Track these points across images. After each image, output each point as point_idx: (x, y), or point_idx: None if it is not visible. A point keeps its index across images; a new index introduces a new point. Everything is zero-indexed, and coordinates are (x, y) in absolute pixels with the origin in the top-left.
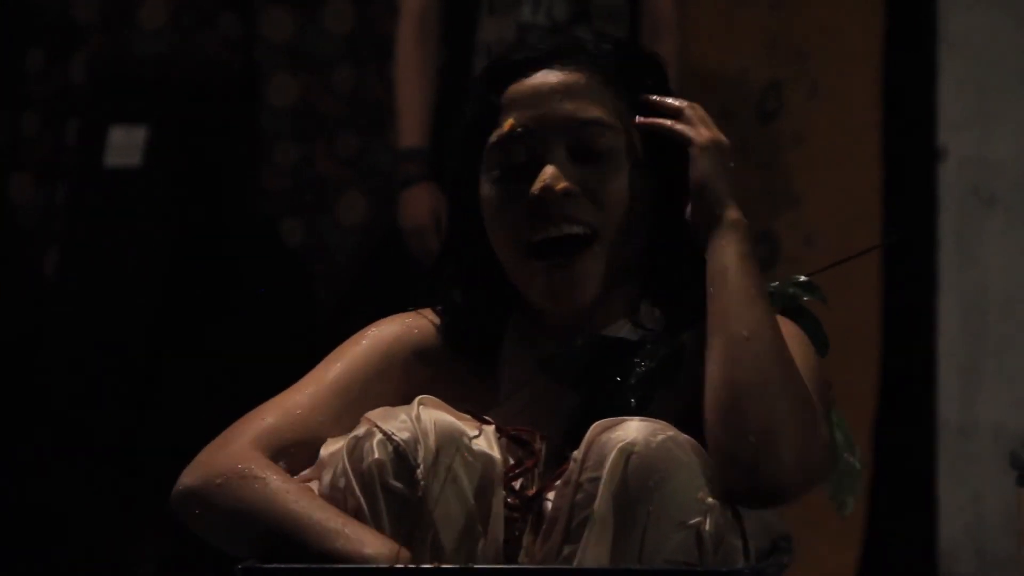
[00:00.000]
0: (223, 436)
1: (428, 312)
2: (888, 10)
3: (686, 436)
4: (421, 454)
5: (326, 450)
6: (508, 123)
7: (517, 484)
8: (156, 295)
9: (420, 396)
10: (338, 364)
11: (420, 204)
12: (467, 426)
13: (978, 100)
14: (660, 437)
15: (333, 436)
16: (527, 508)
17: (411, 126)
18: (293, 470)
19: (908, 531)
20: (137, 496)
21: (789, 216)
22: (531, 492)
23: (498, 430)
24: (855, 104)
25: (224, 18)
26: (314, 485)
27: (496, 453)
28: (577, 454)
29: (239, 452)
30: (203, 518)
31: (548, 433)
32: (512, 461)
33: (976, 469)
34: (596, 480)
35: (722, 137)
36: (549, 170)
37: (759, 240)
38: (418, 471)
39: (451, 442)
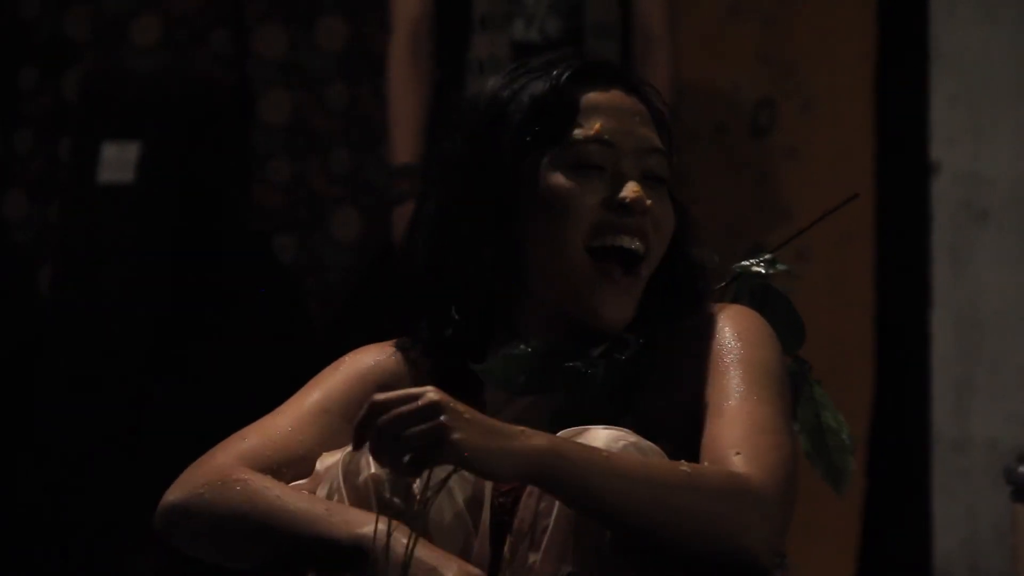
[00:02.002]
0: (205, 456)
1: (406, 340)
2: (880, 25)
3: (649, 443)
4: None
5: (322, 463)
6: (597, 125)
7: (506, 499)
8: (150, 311)
9: None
10: (316, 390)
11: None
12: None
13: (970, 115)
14: (622, 444)
15: (309, 463)
16: (507, 525)
17: (403, 143)
18: None
19: (903, 546)
20: (133, 510)
21: (782, 230)
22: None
23: None
24: (848, 119)
25: (217, 35)
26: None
27: None
28: None
29: (221, 464)
30: (187, 528)
31: None
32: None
33: (970, 484)
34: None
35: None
36: (636, 185)
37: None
38: (415, 485)
39: None
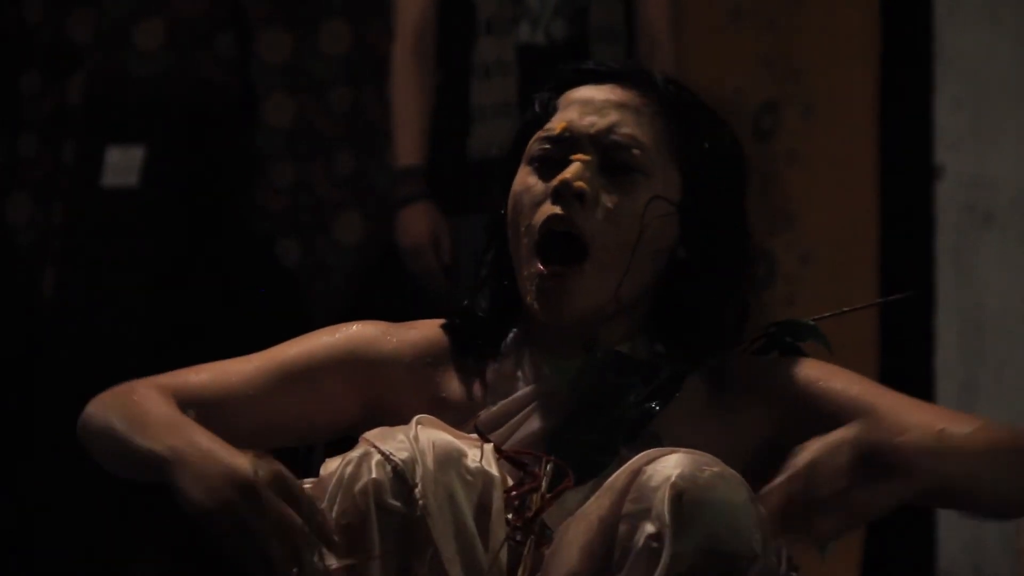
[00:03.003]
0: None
1: (419, 323)
2: (884, 29)
3: (732, 471)
4: (419, 473)
5: (325, 469)
6: (559, 124)
7: (517, 503)
8: (153, 315)
9: (418, 416)
10: (298, 346)
11: (418, 223)
12: (466, 445)
13: (975, 118)
14: (707, 473)
15: (258, 413)
16: (527, 529)
17: (408, 145)
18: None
19: (907, 550)
20: (134, 514)
21: (785, 235)
22: (530, 513)
23: (497, 450)
24: (851, 123)
25: (220, 39)
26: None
27: (495, 471)
28: (614, 483)
29: (143, 382)
30: (85, 436)
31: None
32: (512, 481)
33: None
34: (643, 513)
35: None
36: (573, 167)
37: (755, 259)
38: (416, 490)
39: (449, 462)
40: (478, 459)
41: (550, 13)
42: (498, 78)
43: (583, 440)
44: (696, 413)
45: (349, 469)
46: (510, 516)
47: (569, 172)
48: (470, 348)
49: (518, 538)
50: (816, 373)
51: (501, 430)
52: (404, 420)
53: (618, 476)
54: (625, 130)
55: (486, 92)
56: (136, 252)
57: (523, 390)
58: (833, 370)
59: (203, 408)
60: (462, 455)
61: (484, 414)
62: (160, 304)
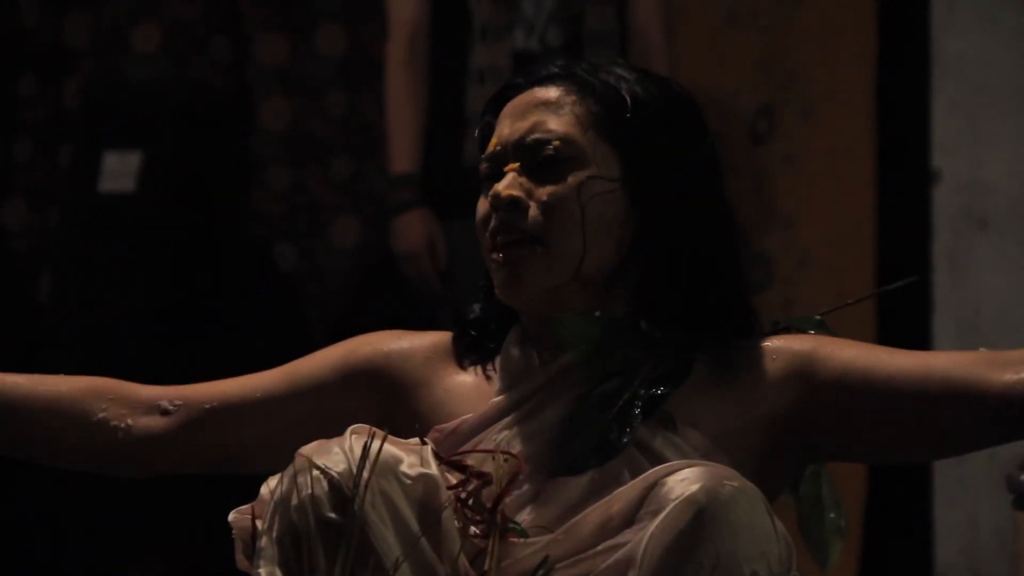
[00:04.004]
0: None
1: (429, 332)
2: (881, 32)
3: (752, 485)
4: (356, 484)
5: (266, 487)
6: (492, 142)
7: (471, 501)
8: (149, 319)
9: (352, 426)
10: (307, 358)
11: (414, 230)
12: (402, 450)
13: (971, 122)
14: (728, 488)
15: (272, 421)
16: (490, 522)
17: (403, 152)
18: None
19: (904, 554)
20: (132, 518)
21: (782, 238)
22: (489, 504)
23: (436, 455)
24: (848, 126)
25: (216, 43)
26: (258, 522)
27: (434, 471)
28: (628, 492)
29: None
30: None
31: (535, 442)
32: (454, 480)
33: (971, 492)
34: (656, 520)
35: None
36: (504, 179)
37: (752, 262)
38: (354, 501)
39: (387, 468)
40: (417, 464)
41: (544, 20)
42: (493, 84)
43: (595, 423)
44: (706, 393)
45: (286, 486)
46: (469, 514)
47: (499, 185)
48: (475, 349)
49: (478, 532)
50: (830, 342)
51: (509, 419)
52: (413, 422)
53: (632, 486)
54: (544, 128)
55: (481, 98)
56: (132, 257)
57: (530, 379)
58: (844, 341)
59: (215, 413)
60: (399, 461)
61: (492, 404)
62: (157, 309)
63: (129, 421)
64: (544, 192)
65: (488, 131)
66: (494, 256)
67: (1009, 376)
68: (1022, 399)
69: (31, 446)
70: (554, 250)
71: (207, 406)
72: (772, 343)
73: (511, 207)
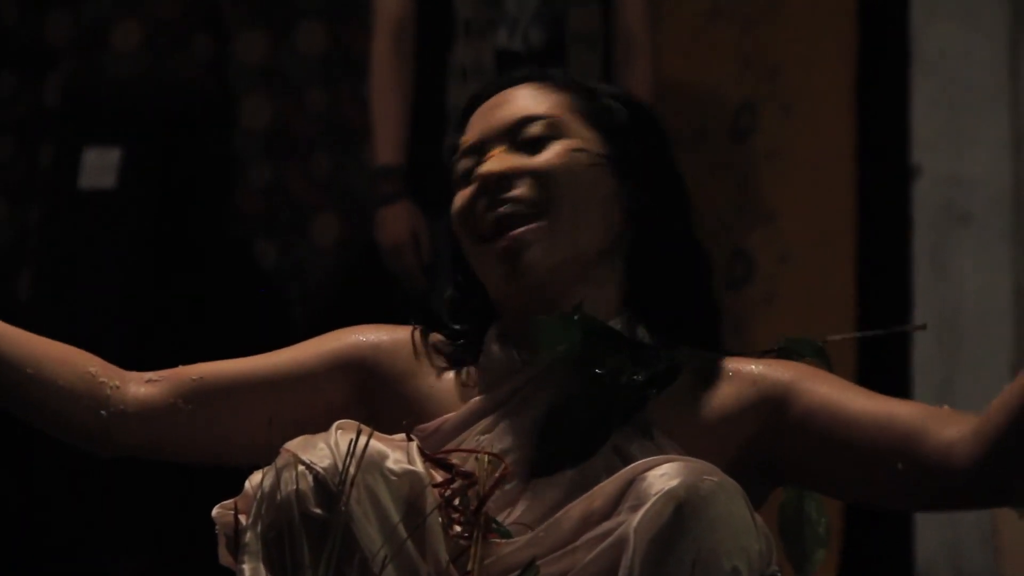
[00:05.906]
0: None
1: (409, 327)
2: (861, 29)
3: (732, 481)
4: (342, 480)
5: (250, 482)
6: (470, 135)
7: (457, 500)
8: (130, 317)
9: (338, 421)
10: (295, 346)
11: (398, 222)
12: (388, 447)
13: (951, 118)
14: (708, 483)
15: (258, 404)
16: (473, 522)
17: (387, 144)
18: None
19: (885, 548)
20: (115, 512)
21: (763, 233)
22: (473, 506)
23: (421, 453)
24: (829, 122)
25: (197, 40)
26: (242, 517)
27: (420, 468)
28: (606, 488)
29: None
30: None
31: (516, 442)
32: (439, 478)
33: None
34: (637, 514)
35: None
36: (487, 162)
37: (733, 257)
38: (340, 497)
39: (372, 464)
40: (403, 460)
41: (528, 19)
42: (475, 81)
43: (575, 424)
44: (685, 405)
45: (271, 482)
46: (454, 515)
47: (484, 166)
48: (454, 347)
49: (463, 532)
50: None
51: (490, 418)
52: (398, 415)
53: (611, 482)
54: (528, 110)
55: (463, 95)
56: (112, 254)
57: (512, 379)
58: (825, 376)
59: (201, 385)
60: (384, 457)
61: (474, 403)
62: (137, 306)
63: (118, 382)
64: (534, 162)
65: (461, 128)
66: (488, 247)
67: (950, 432)
68: (959, 458)
69: (19, 387)
70: (554, 223)
71: (193, 378)
72: (756, 367)
73: (502, 182)
